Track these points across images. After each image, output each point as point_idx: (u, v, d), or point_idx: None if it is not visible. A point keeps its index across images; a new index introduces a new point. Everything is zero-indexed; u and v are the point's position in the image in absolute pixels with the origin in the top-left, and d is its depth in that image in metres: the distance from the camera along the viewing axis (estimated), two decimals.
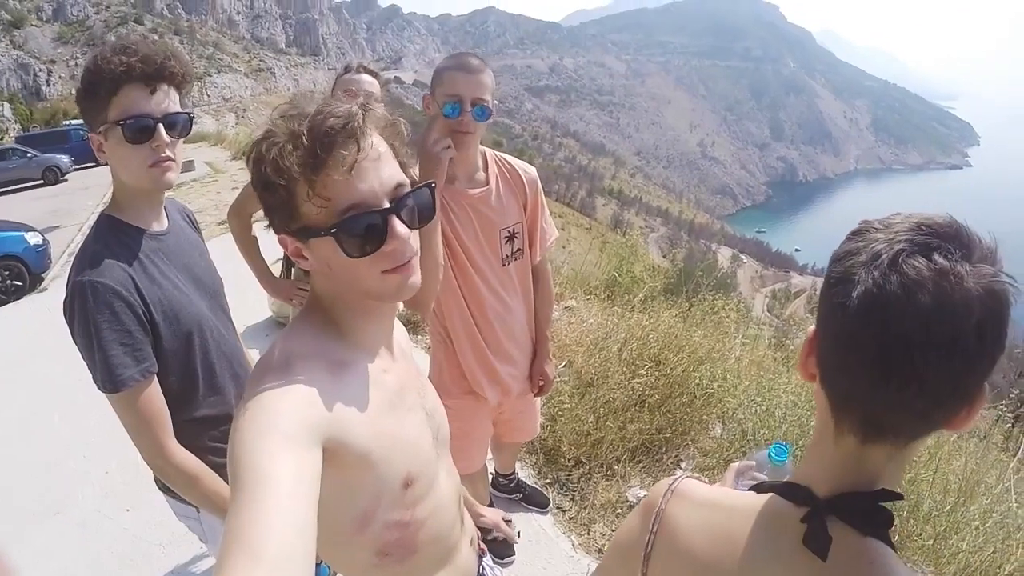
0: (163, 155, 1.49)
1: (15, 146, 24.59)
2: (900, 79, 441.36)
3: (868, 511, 0.71)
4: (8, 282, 8.50)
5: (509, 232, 2.22)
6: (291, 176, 0.86)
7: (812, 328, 0.75)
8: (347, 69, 2.84)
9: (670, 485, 0.88)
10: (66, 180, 21.99)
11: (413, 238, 0.96)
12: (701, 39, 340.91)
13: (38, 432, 4.43)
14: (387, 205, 0.92)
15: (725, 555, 0.78)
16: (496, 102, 2.06)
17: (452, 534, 1.18)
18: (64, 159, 22.71)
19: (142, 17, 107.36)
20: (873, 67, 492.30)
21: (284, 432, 0.78)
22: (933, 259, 0.62)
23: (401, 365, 1.11)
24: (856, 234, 0.69)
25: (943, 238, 0.64)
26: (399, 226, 0.92)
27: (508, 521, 1.50)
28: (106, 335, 1.38)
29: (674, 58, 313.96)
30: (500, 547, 2.83)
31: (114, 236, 1.50)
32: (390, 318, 1.10)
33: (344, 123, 0.87)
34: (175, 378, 1.56)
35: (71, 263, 1.48)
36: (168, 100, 1.49)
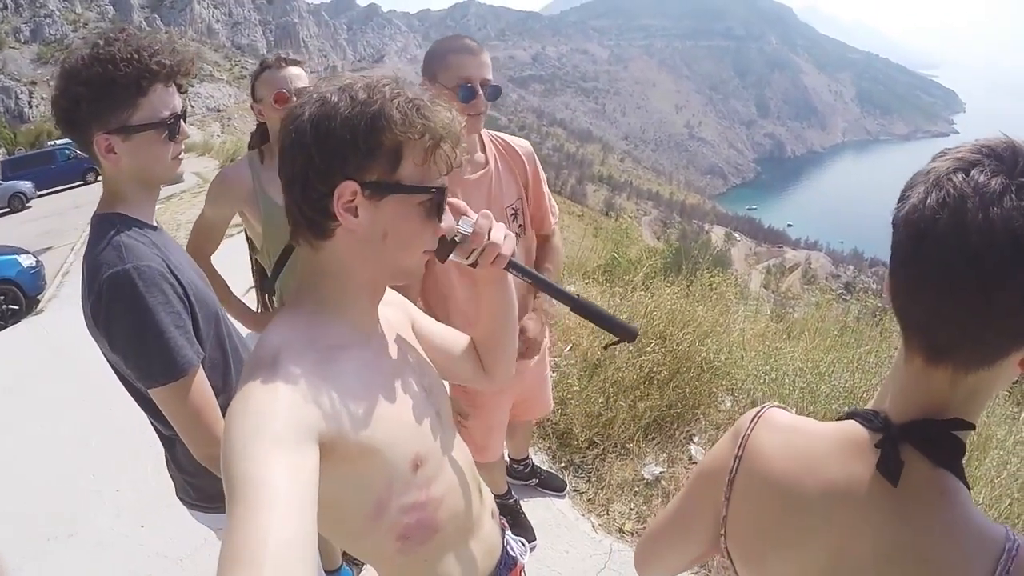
0: (183, 147, 1.54)
1: None
2: (883, 50, 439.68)
3: (937, 437, 0.71)
4: (4, 307, 8.43)
5: (513, 210, 2.20)
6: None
7: None
8: (264, 67, 2.29)
9: (757, 412, 0.90)
10: (30, 207, 21.53)
11: None
12: (681, 21, 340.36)
13: (46, 454, 4.38)
14: None
15: (803, 477, 0.79)
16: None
17: (472, 508, 1.16)
18: (28, 186, 22.36)
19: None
20: (855, 40, 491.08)
21: (275, 436, 0.75)
22: (970, 175, 0.63)
23: (396, 343, 1.09)
24: (936, 156, 0.71)
25: (991, 156, 0.64)
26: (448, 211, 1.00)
27: None
28: (163, 318, 1.33)
29: (656, 41, 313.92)
30: (520, 533, 2.82)
31: (131, 228, 1.45)
32: (382, 297, 1.07)
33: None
34: (209, 364, 1.51)
35: (85, 269, 1.41)
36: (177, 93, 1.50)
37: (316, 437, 0.80)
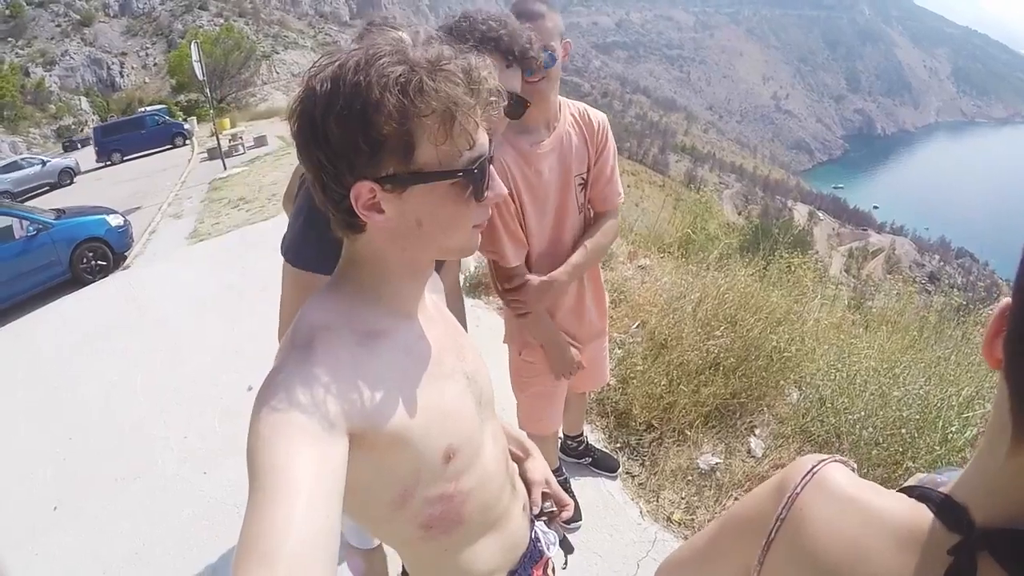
0: None
1: (31, 156, 28.55)
2: (981, 26, 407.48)
3: None
4: (93, 262, 9.06)
5: (582, 180, 2.15)
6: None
7: (1006, 300, 0.55)
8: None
9: (813, 467, 0.73)
10: (76, 182, 23.91)
11: None
12: None
13: (121, 401, 4.65)
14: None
15: (851, 566, 0.65)
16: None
17: (501, 501, 1.11)
18: (73, 162, 25.39)
19: (207, 3, 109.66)
20: (952, 12, 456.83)
21: (304, 425, 0.72)
22: None
23: (438, 327, 1.03)
24: None
25: None
26: (496, 176, 0.89)
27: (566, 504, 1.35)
28: (316, 216, 1.42)
29: (743, 8, 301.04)
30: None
31: None
32: (428, 278, 1.01)
33: (491, 72, 0.84)
34: None
35: None
36: None
37: (346, 427, 0.76)
